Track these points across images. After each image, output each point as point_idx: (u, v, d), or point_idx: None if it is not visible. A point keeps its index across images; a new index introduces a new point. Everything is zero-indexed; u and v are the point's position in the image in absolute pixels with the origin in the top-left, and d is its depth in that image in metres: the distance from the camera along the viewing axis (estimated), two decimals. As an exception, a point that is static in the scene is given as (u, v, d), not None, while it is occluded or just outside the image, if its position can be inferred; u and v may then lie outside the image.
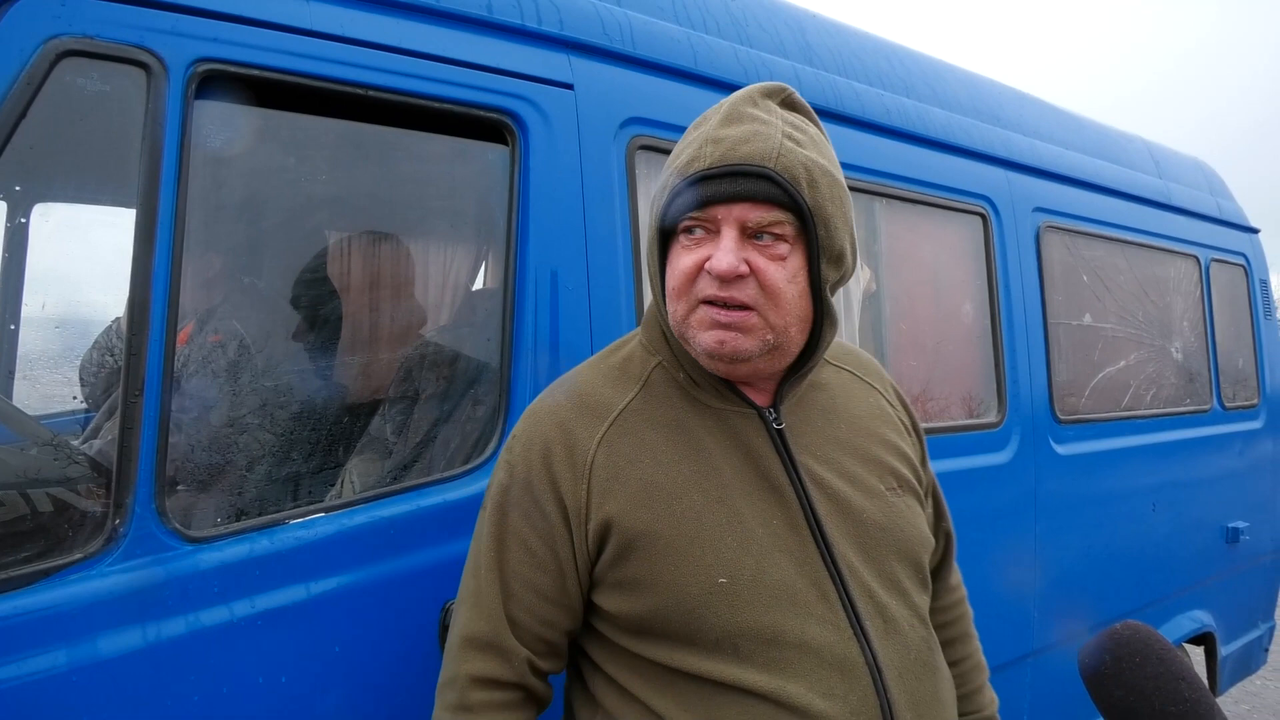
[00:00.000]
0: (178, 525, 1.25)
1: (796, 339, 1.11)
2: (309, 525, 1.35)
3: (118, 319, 1.80)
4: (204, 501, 1.43)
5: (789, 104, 1.13)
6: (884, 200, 2.33)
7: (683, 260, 1.08)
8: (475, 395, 1.69)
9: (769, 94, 1.12)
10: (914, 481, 1.23)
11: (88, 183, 1.88)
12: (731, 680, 1.05)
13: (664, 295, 1.13)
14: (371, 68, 1.44)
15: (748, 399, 1.15)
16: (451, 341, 1.89)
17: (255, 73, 1.34)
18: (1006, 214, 2.60)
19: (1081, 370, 2.91)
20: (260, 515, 1.37)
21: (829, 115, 2.17)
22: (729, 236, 1.04)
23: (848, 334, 2.26)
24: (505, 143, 1.61)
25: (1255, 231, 4.16)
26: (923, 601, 1.18)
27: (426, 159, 1.66)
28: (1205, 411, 3.52)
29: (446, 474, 1.52)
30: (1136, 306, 3.25)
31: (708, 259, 1.05)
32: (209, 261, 1.92)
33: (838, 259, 1.09)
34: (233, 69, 1.32)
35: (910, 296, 2.40)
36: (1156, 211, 3.41)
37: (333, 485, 1.74)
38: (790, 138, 1.06)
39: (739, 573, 1.07)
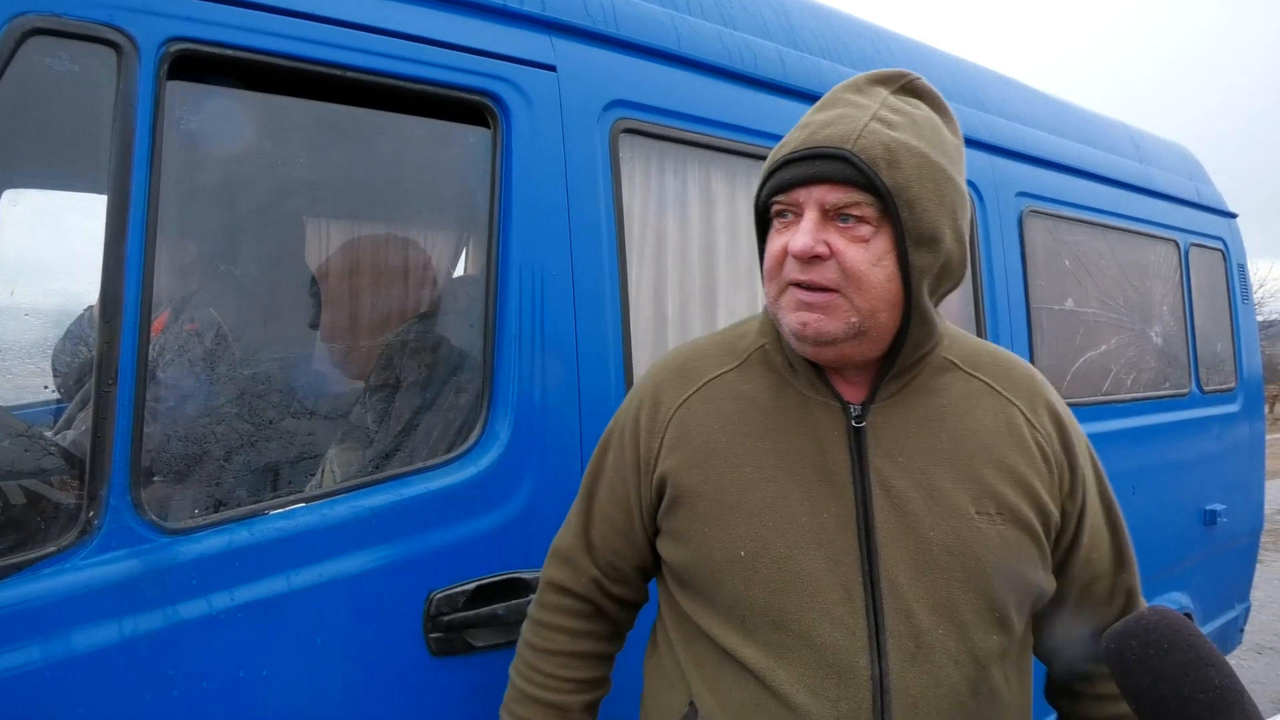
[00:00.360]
0: (154, 517, 1.22)
1: (887, 325, 1.07)
2: (289, 516, 1.32)
3: (90, 307, 1.76)
4: (181, 492, 1.41)
5: (909, 89, 1.10)
6: (868, 185, 2.32)
7: (773, 244, 1.09)
8: (458, 383, 1.67)
9: (882, 80, 1.10)
10: (1027, 512, 1.09)
11: (58, 167, 1.84)
12: (732, 650, 1.09)
13: None
14: (349, 48, 1.40)
15: (837, 392, 1.13)
16: (433, 329, 1.87)
17: (230, 53, 1.31)
18: (990, 198, 2.60)
19: (1064, 355, 2.92)
20: (239, 506, 1.35)
21: (813, 99, 2.15)
22: (809, 218, 1.04)
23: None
24: (487, 125, 1.58)
25: (1233, 216, 4.18)
26: (988, 641, 1.07)
27: (407, 142, 1.63)
28: (1184, 395, 3.55)
29: (429, 463, 1.50)
30: (1117, 291, 3.26)
31: (790, 241, 1.05)
32: (184, 248, 1.88)
33: (929, 243, 1.04)
34: (206, 49, 1.29)
35: (894, 282, 2.40)
36: (1138, 196, 3.42)
37: (313, 475, 1.72)
38: (881, 119, 1.04)
39: (764, 550, 1.08)
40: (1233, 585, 3.99)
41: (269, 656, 1.27)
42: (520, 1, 1.63)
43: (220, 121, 1.45)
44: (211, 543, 1.25)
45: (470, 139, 1.60)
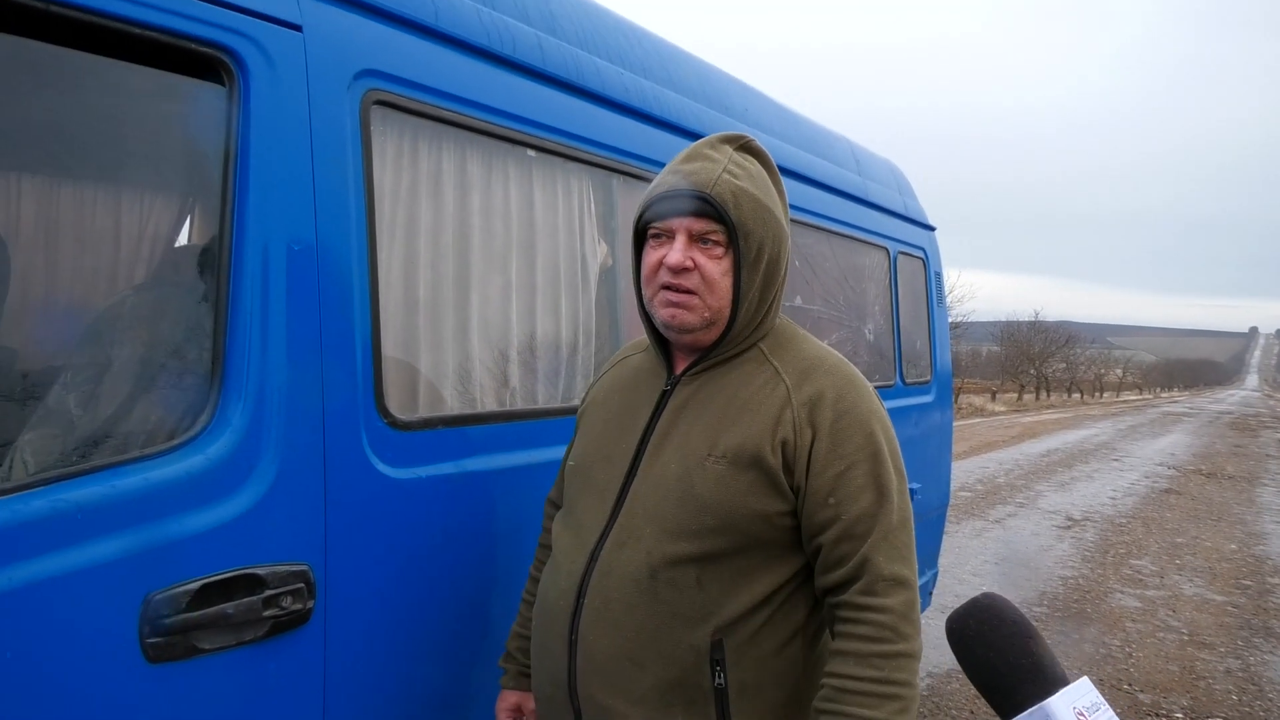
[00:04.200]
0: None
1: (726, 320, 1.48)
2: (-32, 513, 1.14)
3: None
4: None
5: (745, 149, 1.52)
6: (620, 177, 2.37)
7: (651, 257, 1.49)
8: (182, 364, 1.52)
9: (728, 140, 1.53)
10: (747, 459, 1.40)
11: None
12: (557, 529, 1.60)
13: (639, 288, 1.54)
14: (55, -21, 1.23)
15: (672, 367, 1.56)
16: (152, 302, 1.68)
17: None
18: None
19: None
20: (-99, 503, 1.14)
21: (571, 88, 2.18)
22: (680, 240, 1.44)
23: (583, 308, 2.29)
24: (222, 83, 1.45)
25: (932, 229, 4.73)
26: (678, 544, 1.40)
27: (128, 94, 1.45)
28: (890, 386, 3.96)
29: (149, 451, 1.35)
30: (838, 291, 3.58)
31: (665, 256, 1.45)
32: None
33: (754, 263, 1.46)
34: None
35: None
36: (857, 206, 3.77)
37: (-1, 466, 1.49)
38: (729, 172, 1.45)
39: (580, 462, 1.61)
40: (925, 554, 4.52)
41: (-60, 677, 1.09)
42: (263, -49, 1.50)
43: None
44: None
45: (202, 97, 1.45)
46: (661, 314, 1.47)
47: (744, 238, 1.44)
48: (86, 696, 1.23)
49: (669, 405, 1.52)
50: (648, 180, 2.41)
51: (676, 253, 1.43)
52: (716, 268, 1.44)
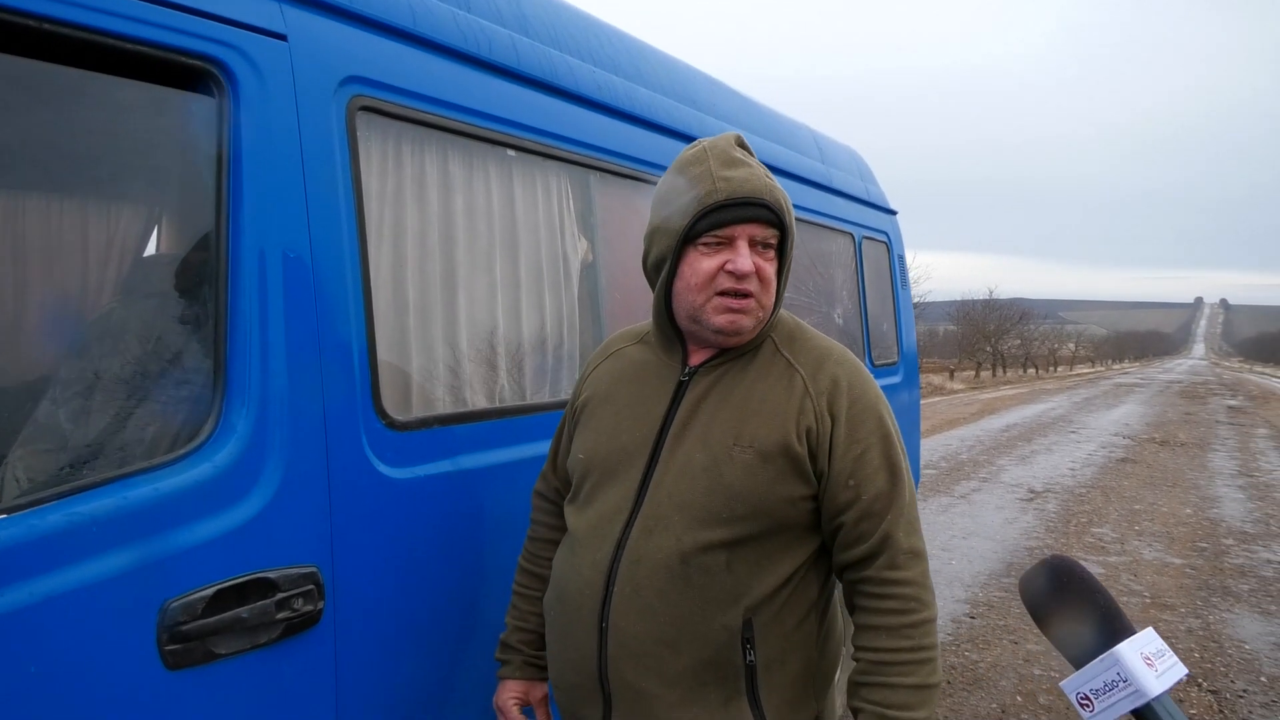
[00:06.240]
0: None
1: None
2: (-14, 530, 1.15)
3: None
4: None
5: (746, 147, 1.54)
6: (597, 173, 2.41)
7: (704, 264, 1.47)
8: (181, 374, 1.53)
9: (739, 143, 1.54)
10: (773, 448, 1.45)
11: None
12: (568, 519, 1.62)
13: (667, 289, 1.53)
14: (49, -4, 1.23)
15: (687, 358, 1.58)
16: (144, 313, 1.68)
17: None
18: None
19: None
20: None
21: (546, 88, 2.21)
22: (743, 246, 1.46)
23: (567, 303, 2.32)
24: (212, 94, 1.46)
25: (894, 213, 4.82)
26: (710, 532, 1.45)
27: (118, 107, 1.45)
28: (860, 369, 4.04)
29: (155, 462, 1.37)
30: (808, 277, 3.64)
31: (726, 262, 1.46)
32: None
33: (788, 264, 1.53)
34: None
35: (623, 266, 2.50)
36: (821, 193, 3.84)
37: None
38: (769, 177, 1.50)
39: (594, 454, 1.59)
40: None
41: (-31, 691, 1.11)
42: (246, -39, 1.51)
43: None
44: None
45: (193, 108, 1.46)
46: (718, 320, 1.48)
47: (790, 240, 1.51)
48: (109, 707, 1.25)
49: (687, 396, 1.54)
50: (623, 176, 2.46)
51: (745, 260, 1.44)
52: (770, 270, 1.49)
